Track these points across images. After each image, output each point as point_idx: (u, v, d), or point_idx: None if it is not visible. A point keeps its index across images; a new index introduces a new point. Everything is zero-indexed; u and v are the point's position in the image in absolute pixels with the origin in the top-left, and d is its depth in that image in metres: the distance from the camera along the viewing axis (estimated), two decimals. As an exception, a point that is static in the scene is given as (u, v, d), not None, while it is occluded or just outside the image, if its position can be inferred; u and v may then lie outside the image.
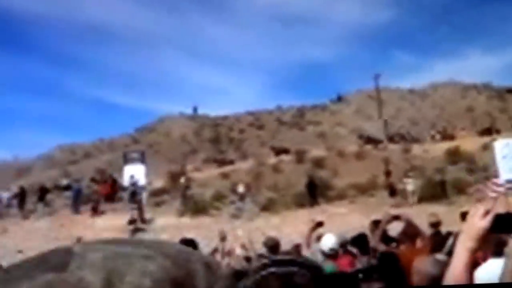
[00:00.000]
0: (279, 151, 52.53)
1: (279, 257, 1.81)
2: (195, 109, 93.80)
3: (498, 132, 49.40)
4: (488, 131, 50.67)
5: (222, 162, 53.00)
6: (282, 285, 1.66)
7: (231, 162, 52.31)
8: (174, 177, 39.52)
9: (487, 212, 2.05)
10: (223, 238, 10.84)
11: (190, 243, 9.07)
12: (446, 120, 67.61)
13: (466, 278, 2.06)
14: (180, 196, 31.64)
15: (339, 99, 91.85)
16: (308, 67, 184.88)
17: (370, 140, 52.76)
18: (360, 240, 8.09)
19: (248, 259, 8.66)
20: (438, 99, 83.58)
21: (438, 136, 52.55)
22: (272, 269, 1.72)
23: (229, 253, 9.89)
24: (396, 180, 30.46)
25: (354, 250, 8.00)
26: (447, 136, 52.53)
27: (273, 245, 7.54)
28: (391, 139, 51.48)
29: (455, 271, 2.07)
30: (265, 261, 1.79)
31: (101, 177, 40.22)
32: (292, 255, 1.80)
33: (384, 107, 60.96)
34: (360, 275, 4.12)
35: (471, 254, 2.07)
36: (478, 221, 2.05)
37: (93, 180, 37.10)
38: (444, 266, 3.97)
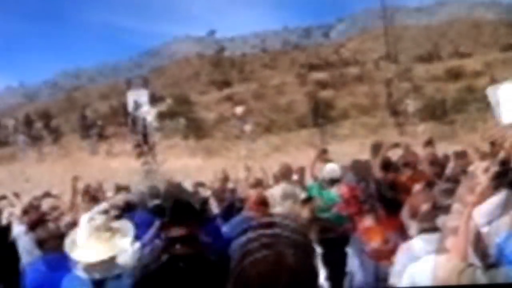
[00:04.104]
0: (220, 85, 52.09)
1: (263, 220, 1.75)
2: (211, 32, 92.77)
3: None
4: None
5: (221, 84, 52.62)
6: (264, 249, 1.63)
7: (229, 84, 52.01)
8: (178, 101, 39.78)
9: (488, 168, 2.25)
10: (224, 179, 10.43)
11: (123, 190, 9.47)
12: (450, 39, 66.67)
13: (465, 231, 2.24)
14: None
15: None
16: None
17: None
18: (355, 167, 8.36)
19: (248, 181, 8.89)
20: (445, 17, 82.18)
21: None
22: (254, 234, 1.69)
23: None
24: (398, 100, 30.61)
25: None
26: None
27: (286, 172, 7.85)
28: None
29: (456, 222, 2.27)
30: (248, 224, 1.75)
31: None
32: (277, 217, 1.78)
33: (390, 26, 60.15)
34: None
35: (471, 208, 2.25)
36: (480, 177, 2.27)
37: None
38: (450, 194, 4.35)
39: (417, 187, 5.18)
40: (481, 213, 3.82)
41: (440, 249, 2.21)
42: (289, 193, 6.08)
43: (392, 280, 3.96)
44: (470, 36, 65.52)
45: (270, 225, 1.70)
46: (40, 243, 4.80)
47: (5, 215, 6.81)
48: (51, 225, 5.08)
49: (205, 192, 7.19)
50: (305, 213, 5.28)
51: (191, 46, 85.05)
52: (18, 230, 5.66)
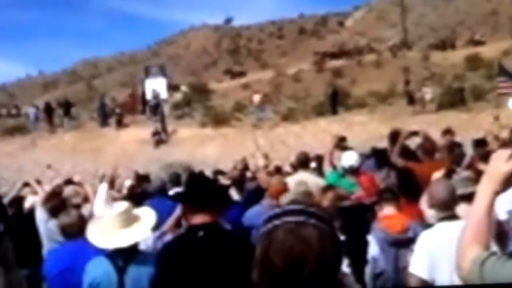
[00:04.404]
0: (234, 75, 51.96)
1: (288, 207, 1.75)
2: (228, 20, 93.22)
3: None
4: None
5: (235, 74, 52.60)
6: (290, 236, 1.64)
7: (243, 74, 51.93)
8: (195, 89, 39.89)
9: (511, 156, 2.13)
10: (245, 167, 10.35)
11: (144, 178, 9.50)
12: (468, 26, 65.93)
13: (487, 220, 2.15)
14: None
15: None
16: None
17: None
18: (376, 155, 8.42)
19: (266, 167, 8.97)
20: (462, 4, 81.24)
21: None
22: (279, 221, 1.69)
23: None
24: (415, 89, 30.39)
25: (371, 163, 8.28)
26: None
27: (304, 160, 7.68)
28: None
29: (477, 212, 2.16)
30: (273, 212, 1.75)
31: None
32: (301, 204, 1.75)
33: (408, 13, 59.68)
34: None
35: (493, 197, 2.15)
36: (502, 165, 2.13)
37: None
38: (470, 182, 4.37)
39: (436, 175, 5.17)
40: (501, 201, 3.82)
41: (462, 238, 2.21)
42: (305, 182, 6.10)
43: (412, 268, 3.98)
44: (488, 23, 64.75)
45: (296, 212, 1.70)
46: (63, 229, 4.86)
47: (28, 202, 6.95)
48: (74, 212, 5.14)
49: (225, 180, 7.24)
50: (325, 201, 5.29)
51: (208, 35, 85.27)
52: (41, 216, 5.74)
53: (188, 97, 37.02)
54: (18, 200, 7.13)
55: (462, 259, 2.14)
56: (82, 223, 4.73)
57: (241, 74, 51.91)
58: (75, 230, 4.72)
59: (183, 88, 38.06)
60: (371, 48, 54.22)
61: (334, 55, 50.86)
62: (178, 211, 4.85)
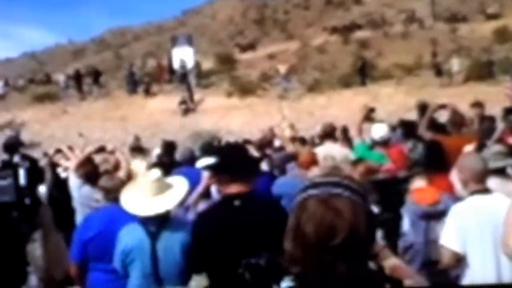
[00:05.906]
0: (244, 48, 51.31)
1: (322, 179, 1.79)
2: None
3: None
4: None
5: (245, 48, 51.90)
6: (321, 206, 1.68)
7: (253, 47, 51.28)
8: (221, 59, 39.79)
9: None
10: (272, 135, 10.36)
11: (170, 145, 9.53)
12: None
13: None
14: None
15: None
16: None
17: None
18: (403, 127, 8.40)
19: (294, 139, 8.96)
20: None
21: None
22: (313, 191, 1.73)
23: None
24: (442, 61, 30.00)
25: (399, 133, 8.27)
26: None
27: (330, 131, 7.71)
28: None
29: None
30: (307, 182, 1.80)
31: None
32: (335, 176, 1.79)
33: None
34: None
35: None
36: None
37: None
38: (502, 157, 4.35)
39: (467, 148, 5.13)
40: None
41: (509, 216, 2.20)
42: (333, 156, 6.10)
43: (443, 240, 3.97)
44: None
45: (330, 184, 1.74)
46: (107, 192, 4.89)
47: (60, 168, 7.03)
48: (116, 176, 5.20)
49: (253, 150, 7.26)
50: (356, 174, 5.29)
51: (235, 5, 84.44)
52: (74, 182, 5.81)
53: (215, 67, 37.00)
54: (52, 166, 7.19)
55: (509, 237, 2.15)
56: (118, 189, 4.76)
57: (252, 47, 51.35)
58: (117, 195, 4.74)
59: (212, 59, 37.95)
60: (385, 20, 53.36)
61: (348, 29, 50.01)
62: (204, 181, 4.89)
